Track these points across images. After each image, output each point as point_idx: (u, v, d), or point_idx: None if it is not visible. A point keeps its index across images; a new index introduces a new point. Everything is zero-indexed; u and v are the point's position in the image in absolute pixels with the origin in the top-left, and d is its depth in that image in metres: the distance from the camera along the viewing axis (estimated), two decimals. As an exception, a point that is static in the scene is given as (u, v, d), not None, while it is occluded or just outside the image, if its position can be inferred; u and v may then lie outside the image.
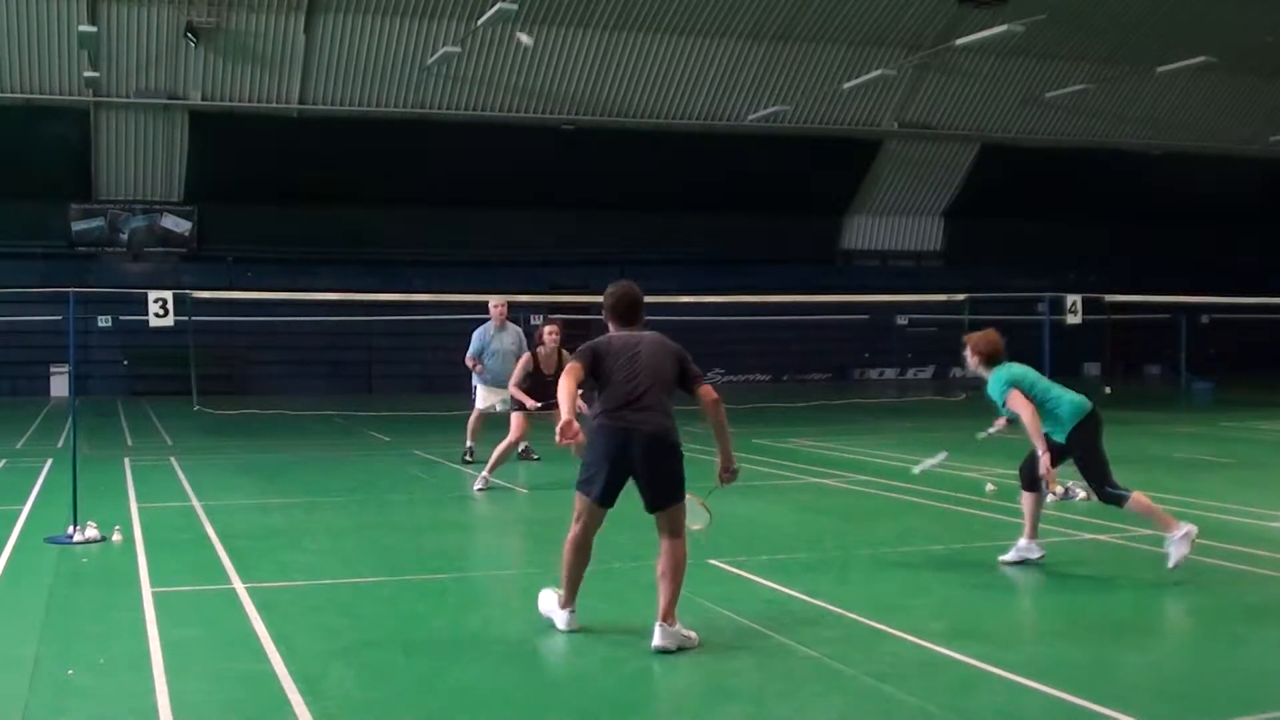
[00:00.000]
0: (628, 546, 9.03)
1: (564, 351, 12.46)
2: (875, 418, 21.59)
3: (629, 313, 6.42)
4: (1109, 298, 12.45)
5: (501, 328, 14.09)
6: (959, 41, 27.98)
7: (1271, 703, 5.12)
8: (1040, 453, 7.54)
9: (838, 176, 35.65)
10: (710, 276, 33.25)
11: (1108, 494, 7.59)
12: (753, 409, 24.34)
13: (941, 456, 9.45)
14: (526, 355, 12.51)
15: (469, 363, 14.05)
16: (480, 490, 12.02)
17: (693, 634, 6.06)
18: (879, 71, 30.08)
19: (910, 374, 36.75)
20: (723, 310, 30.77)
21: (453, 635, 6.48)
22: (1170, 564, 7.37)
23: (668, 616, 5.96)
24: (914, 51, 31.39)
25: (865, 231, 37.79)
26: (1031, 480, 7.86)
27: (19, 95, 27.86)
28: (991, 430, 9.06)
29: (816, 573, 7.86)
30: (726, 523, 9.93)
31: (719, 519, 10.11)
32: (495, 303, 14.13)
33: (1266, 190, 38.32)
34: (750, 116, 32.31)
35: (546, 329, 12.43)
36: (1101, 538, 9.11)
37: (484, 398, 14.06)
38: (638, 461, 6.06)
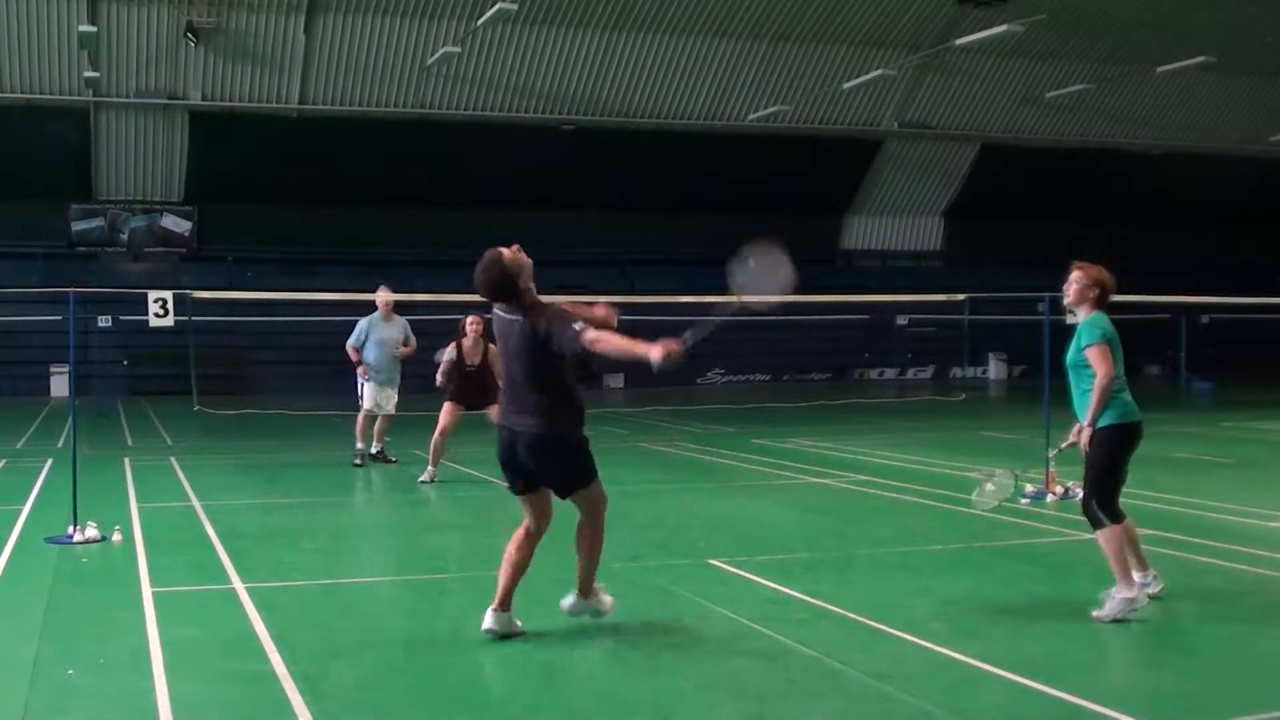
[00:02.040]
0: (627, 546, 9.03)
1: (490, 345, 12.56)
2: (875, 418, 21.58)
3: (498, 290, 6.11)
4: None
5: (387, 319, 13.97)
6: (959, 41, 27.99)
7: (1271, 703, 5.12)
8: (1087, 423, 6.63)
9: (838, 176, 35.65)
10: (710, 276, 33.14)
11: (1093, 511, 6.63)
12: (753, 409, 24.34)
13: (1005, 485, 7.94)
14: (451, 345, 12.58)
15: (350, 352, 13.93)
16: (425, 481, 12.29)
17: (607, 600, 6.39)
18: (879, 71, 30.08)
19: (910, 374, 36.75)
20: (722, 310, 30.76)
21: (453, 635, 6.48)
22: (1097, 614, 6.45)
23: (581, 585, 6.28)
24: (914, 51, 31.39)
25: (865, 231, 37.79)
26: (1097, 517, 6.64)
27: (19, 95, 27.85)
28: (1064, 445, 7.17)
29: (816, 573, 7.85)
30: (726, 523, 9.95)
31: (718, 519, 10.15)
32: (382, 297, 13.92)
33: (1266, 190, 38.32)
34: (750, 116, 32.31)
35: (469, 320, 12.52)
36: (1101, 538, 9.09)
37: (370, 397, 13.92)
38: (524, 462, 6.03)
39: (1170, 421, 20.38)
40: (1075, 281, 6.98)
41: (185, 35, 27.23)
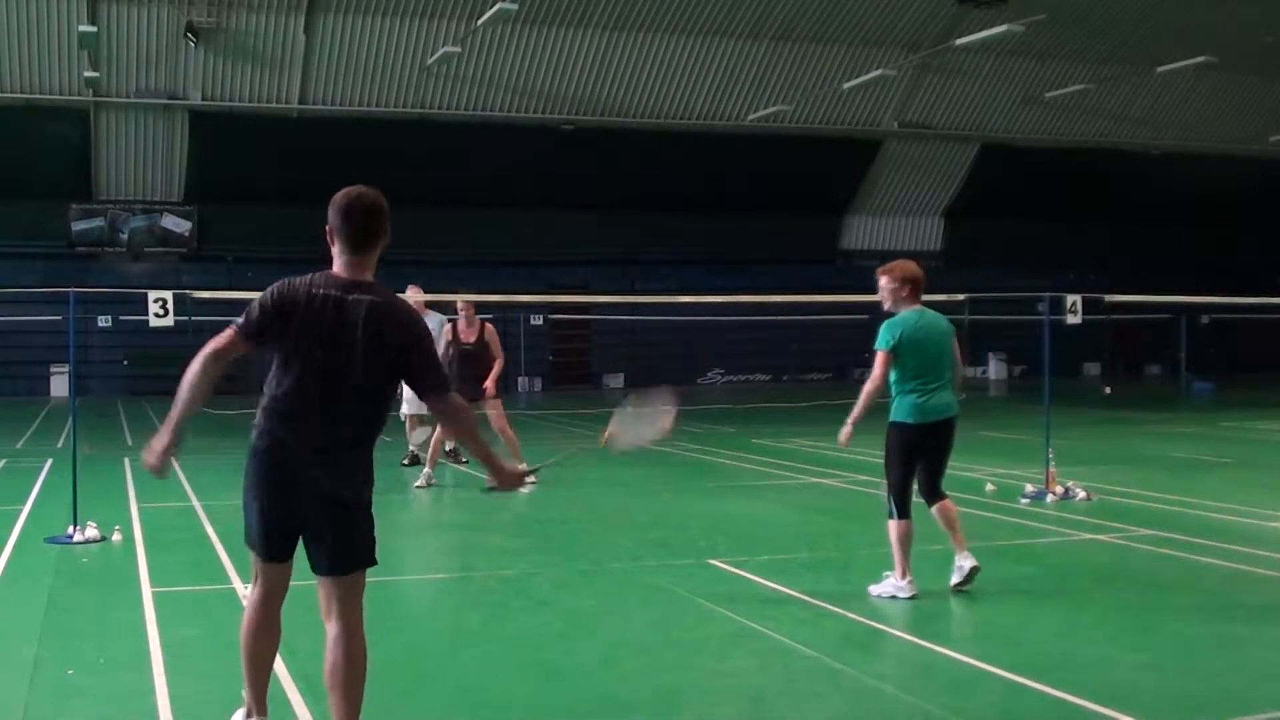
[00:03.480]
0: (627, 546, 9.04)
1: (486, 324, 12.48)
2: (875, 418, 21.54)
3: (365, 230, 4.13)
4: (1109, 298, 12.43)
5: (422, 314, 13.82)
6: (959, 41, 27.99)
7: (1271, 703, 5.12)
8: (851, 419, 7.02)
9: (838, 176, 35.65)
10: (710, 276, 33.25)
11: (886, 499, 7.05)
12: (753, 409, 24.34)
13: None
14: (447, 325, 12.51)
15: None
16: (420, 486, 12.19)
17: None
18: (879, 71, 30.08)
19: (910, 374, 36.74)
20: (723, 310, 30.80)
21: (453, 635, 6.48)
22: (872, 590, 7.01)
23: None
24: (914, 51, 31.38)
25: (865, 231, 37.79)
26: (888, 508, 7.05)
27: (19, 95, 27.85)
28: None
29: (816, 573, 7.85)
30: (726, 523, 9.95)
31: (718, 519, 10.14)
32: (413, 291, 13.27)
33: (1266, 190, 38.32)
34: (750, 116, 32.31)
35: (459, 302, 12.50)
36: (1101, 538, 9.10)
37: (408, 399, 13.30)
38: (307, 512, 4.12)
39: (1170, 421, 20.38)
40: (884, 288, 7.19)
41: (185, 35, 27.22)
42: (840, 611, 6.67)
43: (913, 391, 6.95)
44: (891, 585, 6.97)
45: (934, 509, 7.15)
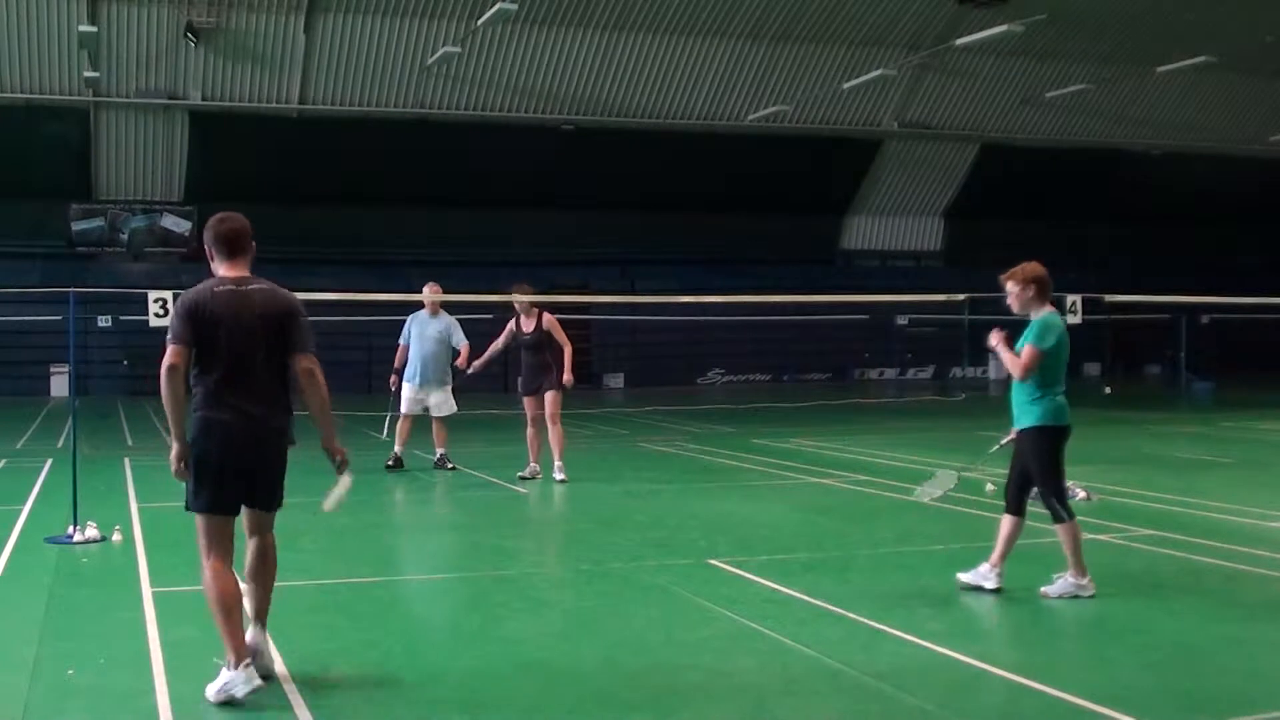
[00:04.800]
0: (627, 546, 9.04)
1: (544, 313, 12.44)
2: (875, 418, 21.57)
3: (239, 241, 5.41)
4: (1109, 298, 12.44)
5: (434, 315, 13.46)
6: (959, 41, 27.99)
7: (1271, 703, 5.12)
8: (1003, 351, 7.00)
9: (838, 176, 35.65)
10: (710, 276, 33.25)
11: (1054, 506, 6.99)
12: (753, 409, 24.34)
13: (949, 480, 8.35)
14: (511, 322, 12.52)
15: (399, 358, 13.47)
16: (524, 476, 12.43)
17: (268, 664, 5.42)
18: (879, 71, 30.08)
19: (910, 374, 36.75)
20: (723, 310, 30.78)
21: (453, 635, 6.48)
22: (1050, 591, 6.98)
23: (261, 616, 5.52)
24: (914, 51, 31.38)
25: (865, 231, 37.80)
26: (1058, 512, 7.00)
27: (19, 95, 27.85)
28: (1005, 440, 7.49)
29: (816, 573, 7.85)
30: (726, 523, 9.95)
31: (718, 519, 10.15)
32: (427, 294, 13.35)
33: (1266, 190, 38.32)
34: (750, 116, 32.31)
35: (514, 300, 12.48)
36: (1102, 538, 9.10)
37: (405, 399, 13.44)
38: (250, 460, 5.35)
39: (1170, 421, 20.39)
40: (1011, 293, 7.22)
41: (185, 35, 27.21)
42: (840, 611, 6.67)
43: (1061, 393, 6.98)
44: (1073, 584, 6.92)
45: (1010, 517, 7.11)
